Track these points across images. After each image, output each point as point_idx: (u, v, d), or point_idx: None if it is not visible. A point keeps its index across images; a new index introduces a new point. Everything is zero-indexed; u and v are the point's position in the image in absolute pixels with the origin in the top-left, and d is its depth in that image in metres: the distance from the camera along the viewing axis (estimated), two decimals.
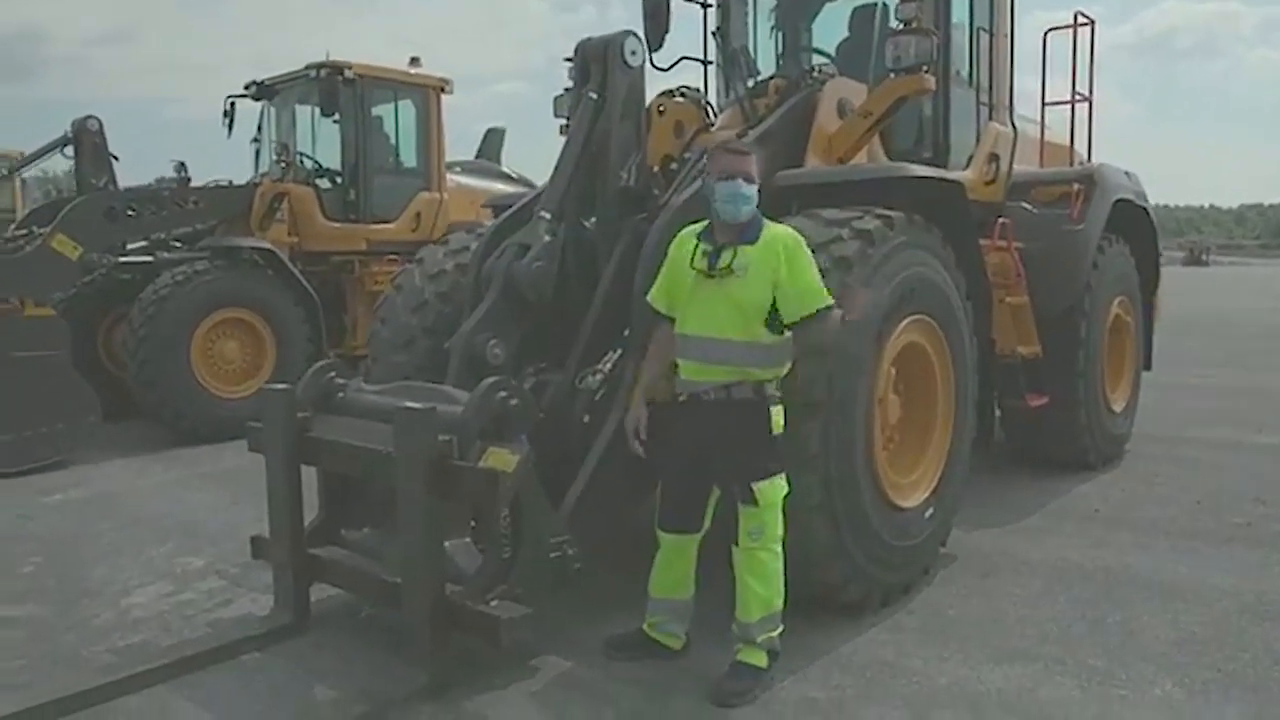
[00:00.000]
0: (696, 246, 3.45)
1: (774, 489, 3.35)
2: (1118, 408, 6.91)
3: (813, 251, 3.71)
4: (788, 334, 3.38)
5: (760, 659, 3.41)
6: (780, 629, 3.45)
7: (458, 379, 4.07)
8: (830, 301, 3.34)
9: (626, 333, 4.19)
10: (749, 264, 3.31)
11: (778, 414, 3.38)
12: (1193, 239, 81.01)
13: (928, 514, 4.35)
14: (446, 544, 3.57)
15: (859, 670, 3.57)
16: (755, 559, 3.36)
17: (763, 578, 3.37)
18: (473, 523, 3.74)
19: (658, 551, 3.63)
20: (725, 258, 3.34)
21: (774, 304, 3.31)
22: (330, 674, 3.59)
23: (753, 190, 3.38)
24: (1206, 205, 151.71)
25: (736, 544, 3.38)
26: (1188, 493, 6.03)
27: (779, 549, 3.40)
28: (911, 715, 3.25)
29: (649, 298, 3.66)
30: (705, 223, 3.54)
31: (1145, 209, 7.17)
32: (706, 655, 3.61)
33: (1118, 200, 6.59)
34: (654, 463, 3.60)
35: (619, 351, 4.21)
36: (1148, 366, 7.62)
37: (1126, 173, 7.06)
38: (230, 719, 3.27)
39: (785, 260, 3.30)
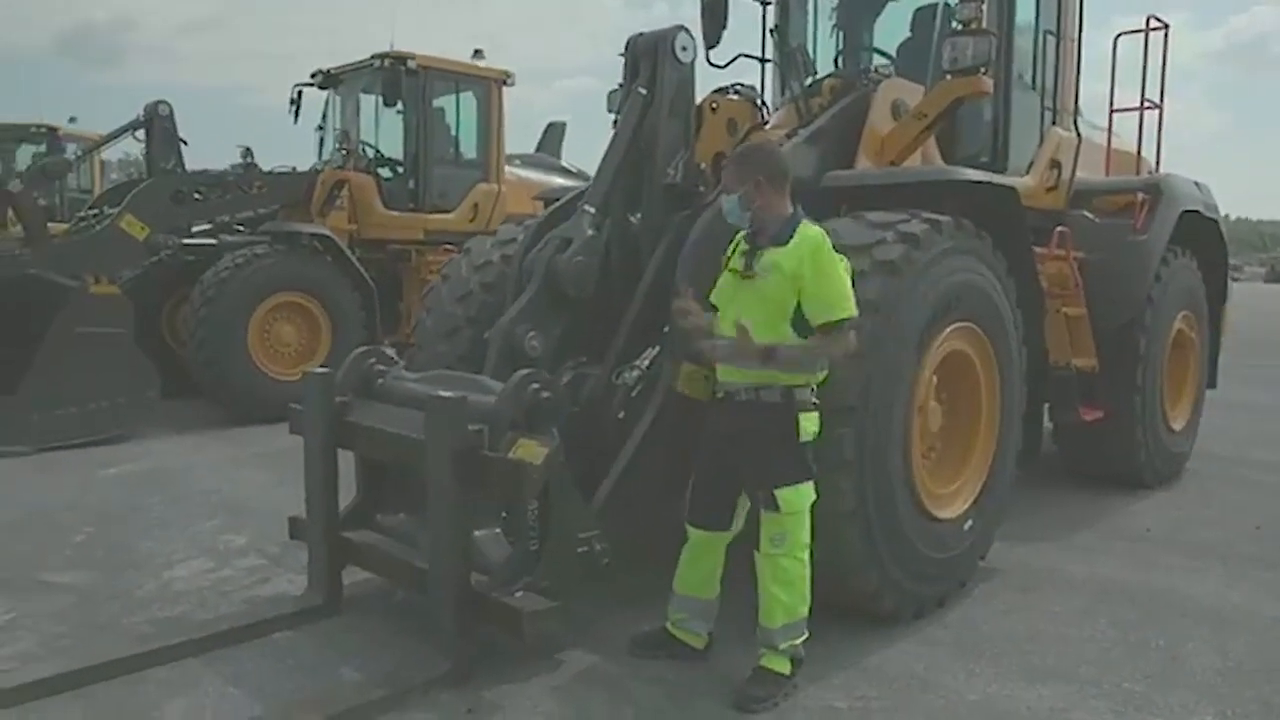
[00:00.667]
0: (738, 247, 3.48)
1: (798, 496, 3.29)
2: (1177, 426, 6.70)
3: (856, 254, 3.67)
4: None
5: (783, 665, 3.36)
6: (805, 636, 3.39)
7: (495, 370, 4.09)
8: (851, 314, 3.27)
9: (666, 329, 4.17)
10: (774, 265, 3.29)
11: (807, 420, 3.31)
12: (1275, 255, 78.34)
13: (967, 526, 4.26)
14: (476, 534, 3.60)
15: (886, 682, 3.50)
16: (778, 566, 3.32)
17: (786, 585, 3.32)
18: (504, 515, 3.76)
19: (685, 546, 3.59)
20: (756, 259, 3.36)
21: (799, 306, 3.27)
22: (357, 656, 3.64)
23: (731, 203, 3.47)
24: None
25: (759, 550, 3.34)
26: (1246, 516, 5.82)
27: (804, 556, 3.34)
28: None
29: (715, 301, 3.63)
30: None
31: (1215, 221, 6.94)
32: (731, 656, 3.58)
33: (1185, 211, 6.38)
34: (692, 455, 3.60)
35: (657, 348, 4.19)
36: (1212, 384, 7.37)
37: (1196, 183, 6.83)
38: (257, 694, 3.33)
39: (809, 262, 3.25)
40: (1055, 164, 6.05)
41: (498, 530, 3.72)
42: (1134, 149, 6.85)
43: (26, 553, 4.82)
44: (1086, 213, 6.31)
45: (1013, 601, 4.35)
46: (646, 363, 4.20)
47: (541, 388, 3.57)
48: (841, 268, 3.32)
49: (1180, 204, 6.35)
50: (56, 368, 7.20)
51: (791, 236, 3.32)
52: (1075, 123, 6.35)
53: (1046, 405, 5.73)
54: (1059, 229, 5.68)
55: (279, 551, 4.81)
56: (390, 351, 4.48)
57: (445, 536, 3.44)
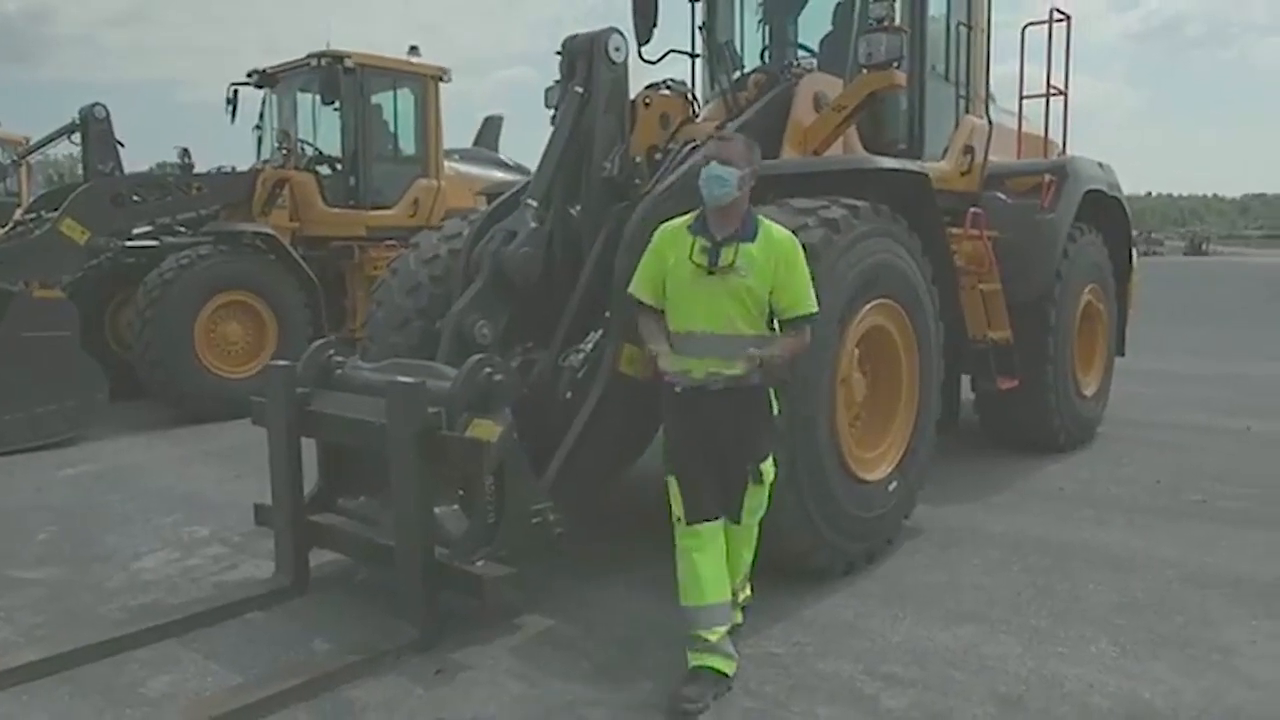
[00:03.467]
0: (694, 242, 3.41)
1: (771, 466, 3.52)
2: (1089, 392, 7.16)
3: None
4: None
5: (738, 616, 3.64)
6: (751, 587, 3.78)
7: (448, 357, 4.33)
8: (815, 309, 3.45)
9: (607, 314, 4.45)
10: (752, 263, 3.33)
11: (775, 397, 3.51)
12: (1194, 229, 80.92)
13: (891, 487, 4.61)
14: (436, 510, 3.85)
15: (819, 629, 3.84)
16: (750, 533, 3.60)
17: (750, 546, 3.65)
18: (461, 492, 4.02)
19: (682, 557, 3.43)
20: (727, 255, 3.34)
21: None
22: (327, 630, 3.87)
23: (729, 173, 3.33)
24: (1211, 195, 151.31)
25: (737, 521, 3.51)
26: (1151, 473, 6.29)
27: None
28: (863, 668, 3.51)
29: (631, 290, 3.61)
30: (690, 215, 3.53)
31: (1119, 199, 7.40)
32: (672, 613, 3.86)
33: (1089, 190, 6.82)
34: (669, 458, 3.51)
35: (600, 332, 4.47)
36: (1121, 352, 7.87)
37: (1100, 164, 7.28)
38: (236, 667, 3.54)
39: (785, 263, 3.36)
40: (969, 149, 6.45)
41: (456, 506, 3.98)
42: (1043, 133, 7.30)
43: None
44: (1000, 194, 6.70)
45: (935, 556, 4.73)
46: (590, 346, 4.47)
47: (493, 372, 3.82)
48: (805, 264, 3.45)
49: (1084, 184, 6.78)
50: (3, 373, 7.24)
51: (757, 231, 3.40)
52: (987, 110, 6.77)
53: (969, 376, 6.18)
54: (973, 210, 6.05)
55: (241, 540, 5.00)
56: (340, 346, 4.68)
57: (409, 513, 3.68)
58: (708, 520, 3.43)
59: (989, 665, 3.52)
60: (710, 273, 3.35)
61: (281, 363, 4.33)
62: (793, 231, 4.07)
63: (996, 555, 4.73)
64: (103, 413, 7.83)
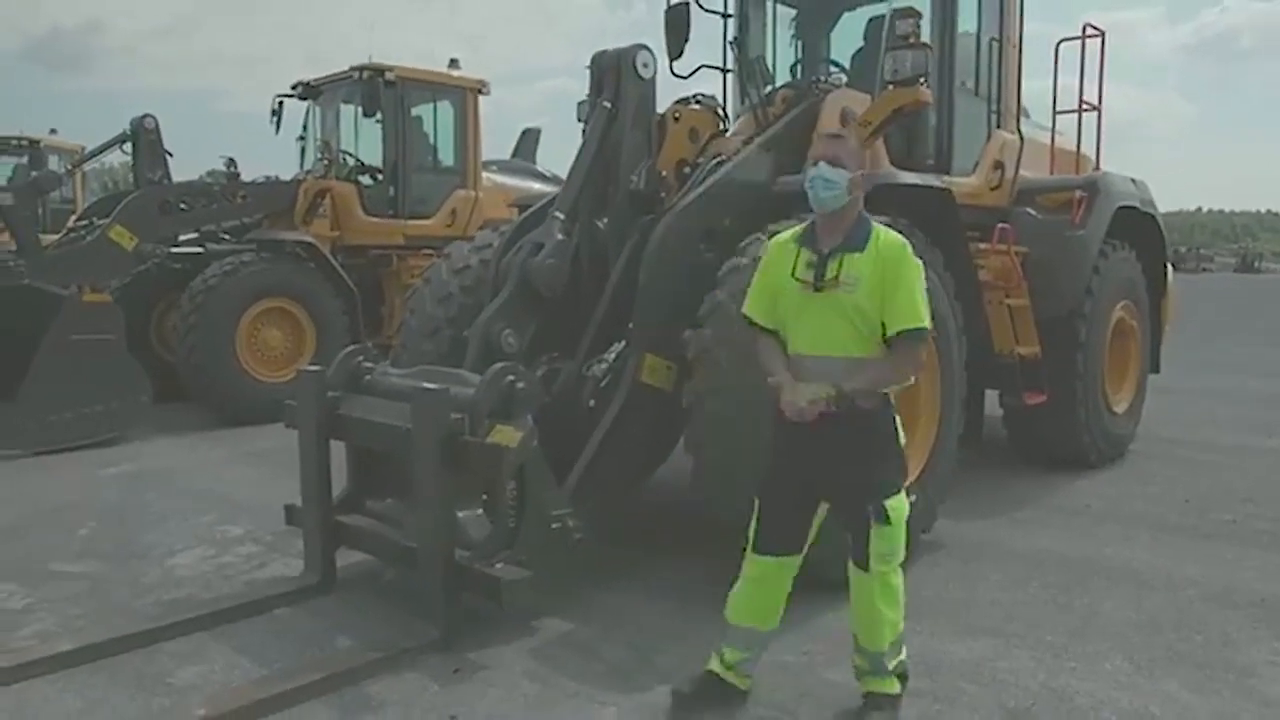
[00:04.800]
0: (798, 255, 3.17)
1: (902, 505, 3.13)
2: (1119, 409, 7.11)
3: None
4: None
5: (893, 685, 3.22)
6: (905, 649, 3.28)
7: (474, 365, 4.44)
8: (924, 325, 3.07)
9: (631, 325, 4.54)
10: (860, 277, 3.04)
11: (899, 425, 3.19)
12: (1245, 245, 79.50)
13: (910, 501, 4.61)
14: (459, 515, 3.94)
15: (830, 639, 3.85)
16: (887, 584, 3.14)
17: (892, 602, 3.17)
18: (483, 497, 4.11)
19: (742, 578, 3.33)
20: (832, 268, 3.07)
21: None
22: (351, 628, 3.98)
23: (839, 175, 3.09)
24: (1265, 210, 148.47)
25: (865, 569, 3.13)
26: (1181, 491, 6.23)
27: (901, 567, 3.22)
28: None
29: (745, 311, 3.36)
30: (802, 225, 3.32)
31: (1153, 216, 7.35)
32: (686, 619, 3.94)
33: (1121, 207, 6.78)
34: (762, 480, 3.35)
35: (623, 343, 4.57)
36: (1155, 369, 7.80)
37: (1133, 180, 7.24)
38: (262, 661, 3.66)
39: (891, 272, 3.05)
40: (998, 165, 6.46)
41: (479, 511, 4.07)
42: (1076, 148, 7.28)
43: (36, 547, 5.12)
44: (1030, 210, 6.70)
45: (954, 570, 4.73)
46: (613, 356, 4.58)
47: (516, 379, 3.92)
48: (919, 275, 3.14)
49: (1115, 200, 6.75)
50: (52, 374, 7.49)
51: (867, 241, 3.11)
52: (1018, 125, 6.77)
53: (996, 391, 6.17)
54: (1001, 225, 6.06)
55: (274, 540, 5.14)
56: (375, 352, 4.81)
57: (431, 516, 3.78)
58: (774, 555, 3.25)
59: (1000, 679, 3.53)
60: (817, 289, 3.08)
61: (313, 368, 4.46)
62: None
63: (1017, 571, 4.72)
64: (146, 414, 8.06)
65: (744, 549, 3.33)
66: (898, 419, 3.19)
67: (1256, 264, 60.99)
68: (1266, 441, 7.86)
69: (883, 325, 3.07)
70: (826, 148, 3.18)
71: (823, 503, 3.26)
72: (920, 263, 3.17)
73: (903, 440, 3.21)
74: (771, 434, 3.29)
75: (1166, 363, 7.99)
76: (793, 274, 3.14)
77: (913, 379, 3.31)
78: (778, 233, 3.50)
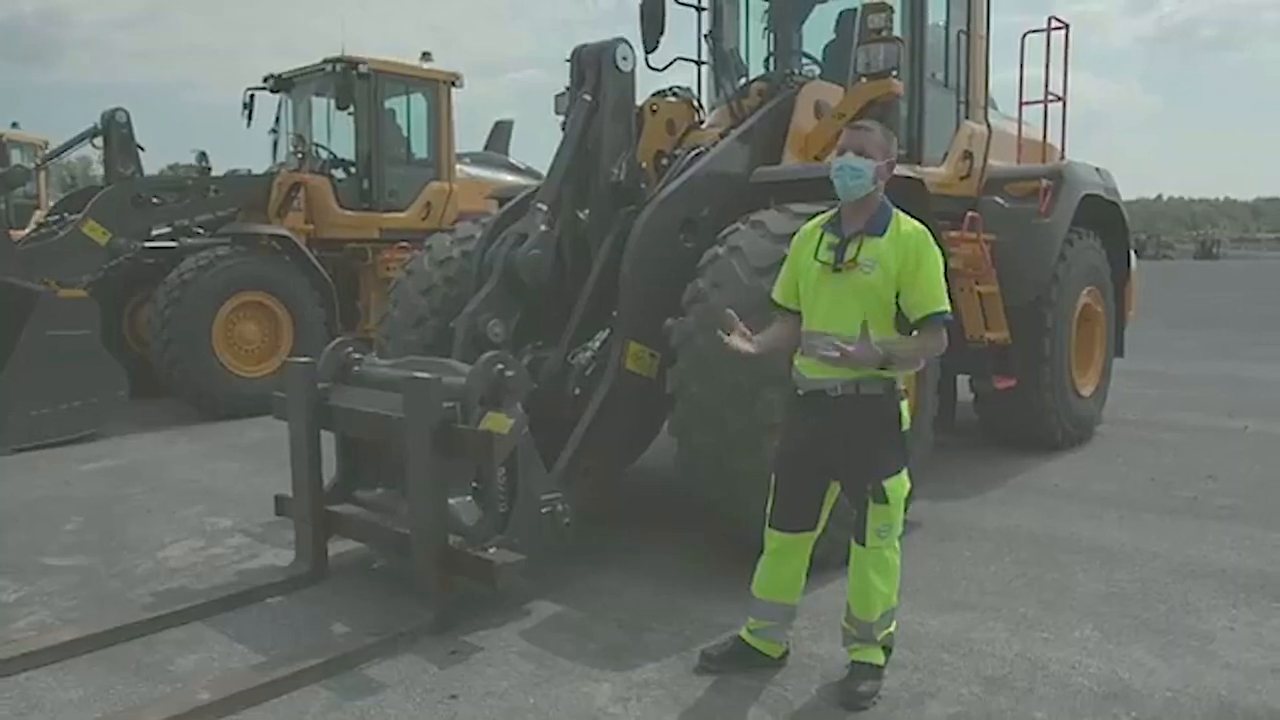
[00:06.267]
0: (821, 238, 3.33)
1: (901, 485, 3.27)
2: (1085, 392, 7.31)
3: (781, 242, 4.13)
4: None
5: (878, 656, 3.37)
6: (895, 623, 3.44)
7: (461, 354, 4.52)
8: (947, 308, 3.21)
9: (614, 314, 4.65)
10: (877, 258, 3.17)
11: (906, 409, 3.31)
12: (1204, 232, 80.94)
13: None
14: (451, 501, 4.03)
15: (815, 616, 3.99)
16: (881, 558, 3.30)
17: (886, 576, 3.32)
18: (474, 483, 4.20)
19: (764, 554, 3.48)
20: (851, 250, 3.21)
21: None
22: (346, 614, 4.06)
23: (865, 165, 3.21)
24: (1223, 198, 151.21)
25: (862, 543, 3.29)
26: (1145, 470, 6.44)
27: (899, 545, 3.37)
28: None
29: (773, 296, 3.51)
30: (831, 212, 3.44)
31: (1116, 204, 7.55)
32: (673, 598, 4.06)
33: (1086, 195, 6.96)
34: (776, 457, 3.51)
35: (607, 331, 4.67)
36: (1120, 353, 8.02)
37: (1097, 169, 7.43)
38: (259, 648, 3.73)
39: (913, 258, 3.17)
40: (967, 155, 6.62)
41: (469, 497, 4.16)
42: (1043, 138, 7.46)
43: (24, 541, 5.14)
44: (998, 198, 6.86)
45: (930, 548, 4.89)
46: (598, 344, 4.68)
47: (505, 368, 4.00)
48: (939, 261, 3.26)
49: (1081, 189, 6.93)
50: (29, 370, 7.46)
51: (887, 227, 3.25)
52: (986, 116, 6.93)
53: (967, 375, 6.34)
54: (970, 214, 6.22)
55: (263, 531, 5.19)
56: (362, 344, 4.88)
57: (424, 502, 3.87)
58: (789, 531, 3.40)
59: (977, 649, 3.69)
60: (836, 270, 3.23)
61: (303, 359, 4.52)
62: (791, 235, 4.27)
63: (989, 548, 4.89)
64: (123, 410, 8.06)
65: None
66: (904, 404, 3.32)
67: (1215, 250, 62.06)
68: (1227, 422, 8.10)
69: (897, 306, 3.21)
70: (853, 138, 3.31)
71: (834, 482, 3.41)
72: (939, 250, 3.32)
73: (907, 424, 3.34)
74: (785, 415, 3.49)
75: (1130, 347, 8.21)
76: (815, 255, 3.30)
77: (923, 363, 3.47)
78: (813, 215, 3.62)
